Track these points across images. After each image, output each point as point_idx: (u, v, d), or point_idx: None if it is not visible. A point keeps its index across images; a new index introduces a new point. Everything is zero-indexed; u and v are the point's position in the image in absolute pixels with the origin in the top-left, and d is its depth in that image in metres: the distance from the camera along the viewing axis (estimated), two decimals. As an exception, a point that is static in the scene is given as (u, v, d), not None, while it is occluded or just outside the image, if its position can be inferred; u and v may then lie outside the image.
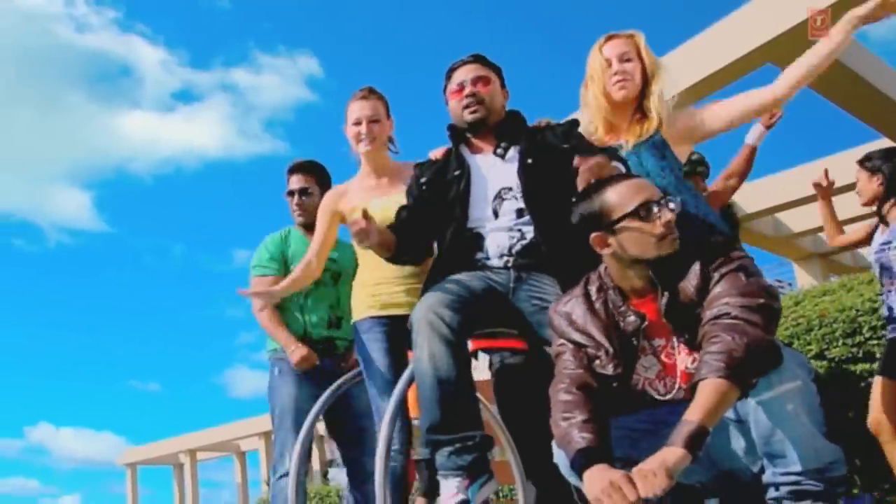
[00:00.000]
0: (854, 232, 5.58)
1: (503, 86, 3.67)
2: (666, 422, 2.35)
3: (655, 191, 2.69)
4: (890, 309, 4.95)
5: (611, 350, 2.64)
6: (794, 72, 3.35)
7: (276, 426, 4.62)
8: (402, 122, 4.36)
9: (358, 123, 4.15)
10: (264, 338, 4.83)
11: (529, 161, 3.39)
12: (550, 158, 3.36)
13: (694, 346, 2.55)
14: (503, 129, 3.57)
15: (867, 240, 5.22)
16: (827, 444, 2.35)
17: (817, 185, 5.60)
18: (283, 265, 4.80)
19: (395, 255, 3.57)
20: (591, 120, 3.65)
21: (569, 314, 2.78)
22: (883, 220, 5.10)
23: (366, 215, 3.29)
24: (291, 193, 4.87)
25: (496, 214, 3.41)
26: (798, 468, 2.33)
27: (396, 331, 3.68)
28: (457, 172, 3.51)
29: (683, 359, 2.59)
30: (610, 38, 3.62)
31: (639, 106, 3.57)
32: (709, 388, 2.26)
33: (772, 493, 2.41)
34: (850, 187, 5.43)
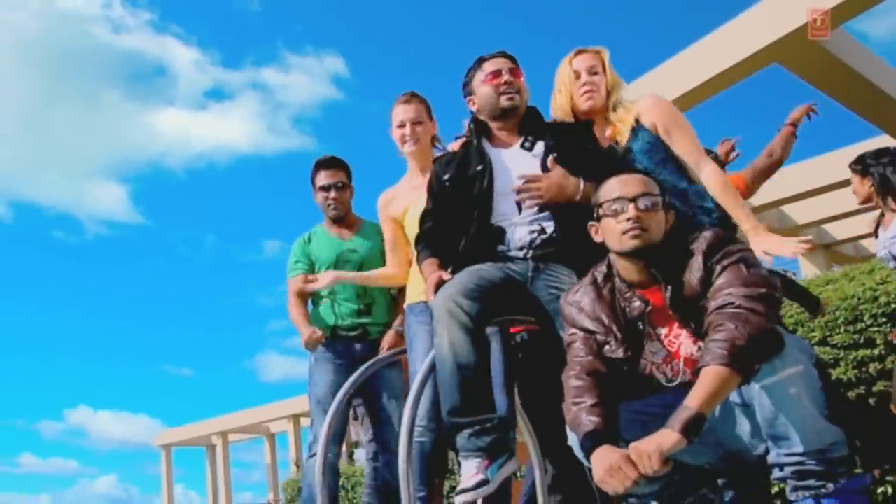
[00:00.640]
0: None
1: (525, 84, 3.63)
2: (674, 406, 2.37)
3: (638, 188, 2.73)
4: None
5: (619, 335, 2.66)
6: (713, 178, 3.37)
7: (312, 412, 4.67)
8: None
9: (402, 126, 4.20)
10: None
11: (555, 156, 3.37)
12: (574, 157, 3.35)
13: (699, 334, 2.57)
14: (526, 123, 3.55)
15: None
16: (828, 425, 2.35)
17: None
18: (309, 263, 4.88)
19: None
20: None
21: (578, 303, 2.80)
22: (883, 217, 5.09)
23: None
24: (326, 188, 4.87)
25: (519, 208, 3.39)
26: (801, 449, 2.33)
27: None
28: (479, 168, 3.47)
29: (688, 346, 2.60)
30: (579, 52, 3.69)
31: (606, 116, 3.63)
32: (710, 375, 2.29)
33: (776, 473, 2.41)
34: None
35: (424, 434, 3.94)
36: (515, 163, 3.45)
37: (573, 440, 2.64)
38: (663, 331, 2.66)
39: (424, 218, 3.67)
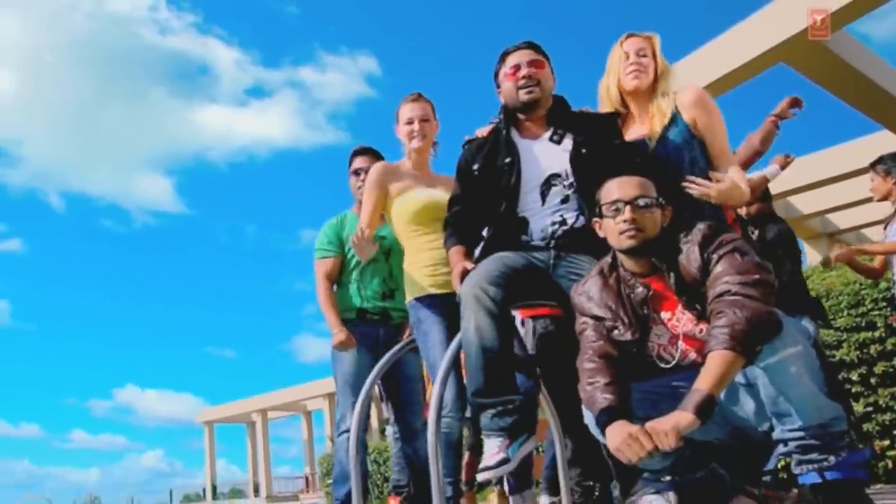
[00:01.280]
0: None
1: (552, 72, 3.58)
2: (680, 386, 2.43)
3: (634, 191, 2.76)
4: None
5: (626, 319, 2.70)
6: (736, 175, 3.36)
7: (339, 390, 4.68)
8: (452, 116, 4.38)
9: (410, 122, 4.17)
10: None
11: (584, 151, 3.34)
12: (601, 150, 3.31)
13: (700, 317, 2.60)
14: (553, 114, 3.52)
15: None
16: (828, 401, 2.37)
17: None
18: (340, 246, 4.85)
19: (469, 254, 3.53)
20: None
21: (587, 292, 2.84)
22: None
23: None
24: (358, 172, 4.86)
25: (543, 200, 3.37)
26: (803, 424, 2.35)
27: (455, 309, 3.67)
28: (507, 160, 3.43)
29: (690, 327, 2.63)
30: (630, 35, 3.62)
31: (651, 99, 3.56)
32: (716, 359, 2.32)
33: (781, 448, 2.43)
34: (855, 173, 5.42)
35: (451, 425, 3.94)
36: (544, 156, 3.42)
37: (588, 418, 2.66)
38: (666, 315, 2.69)
39: (452, 202, 3.66)
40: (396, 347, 4.13)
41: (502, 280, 3.15)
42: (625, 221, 2.72)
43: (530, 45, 3.56)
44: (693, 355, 2.66)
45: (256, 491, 37.90)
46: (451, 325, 3.70)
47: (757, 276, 2.44)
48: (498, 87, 3.60)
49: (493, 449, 3.10)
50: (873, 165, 5.25)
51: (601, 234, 2.90)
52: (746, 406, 2.54)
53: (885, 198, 5.21)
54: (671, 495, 3.04)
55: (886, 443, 5.99)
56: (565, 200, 3.35)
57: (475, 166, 3.55)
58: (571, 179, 3.34)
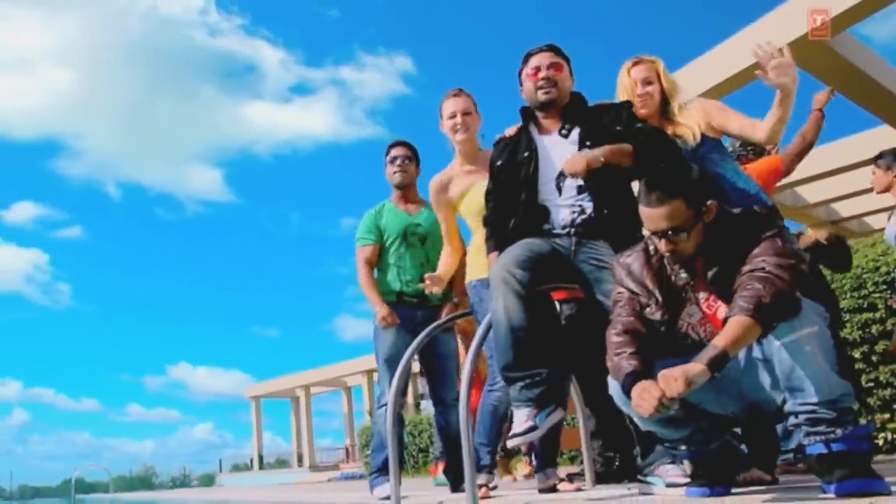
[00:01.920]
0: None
1: (571, 73, 3.58)
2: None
3: (660, 224, 2.59)
4: None
5: (660, 300, 2.66)
6: (770, 119, 3.40)
7: (379, 368, 4.71)
8: (484, 112, 4.38)
9: (453, 116, 4.19)
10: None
11: (588, 143, 3.32)
12: (606, 140, 3.26)
13: None
14: (567, 110, 3.50)
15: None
16: (839, 379, 2.34)
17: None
18: (379, 235, 4.88)
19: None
20: None
21: (628, 265, 2.79)
22: None
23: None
24: (394, 160, 4.91)
25: (560, 191, 3.36)
26: (814, 399, 2.32)
27: None
28: (526, 154, 3.45)
29: (723, 310, 2.59)
30: (636, 62, 3.72)
31: (662, 116, 3.67)
32: (736, 323, 2.32)
33: (792, 420, 2.41)
34: (857, 165, 5.38)
35: (501, 398, 3.93)
36: (554, 150, 3.42)
37: (613, 387, 2.65)
38: (703, 295, 2.64)
39: (487, 197, 3.67)
40: (430, 327, 4.15)
41: (529, 264, 3.17)
42: (665, 249, 2.64)
43: (551, 48, 3.56)
44: None
45: (300, 461, 38.14)
46: None
47: (792, 262, 2.40)
48: (521, 85, 3.60)
49: (521, 418, 3.11)
50: (875, 160, 5.24)
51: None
52: (762, 380, 2.52)
53: (885, 190, 5.20)
54: (687, 464, 3.02)
55: (887, 416, 5.97)
56: (581, 191, 3.33)
57: (499, 162, 3.58)
58: None
